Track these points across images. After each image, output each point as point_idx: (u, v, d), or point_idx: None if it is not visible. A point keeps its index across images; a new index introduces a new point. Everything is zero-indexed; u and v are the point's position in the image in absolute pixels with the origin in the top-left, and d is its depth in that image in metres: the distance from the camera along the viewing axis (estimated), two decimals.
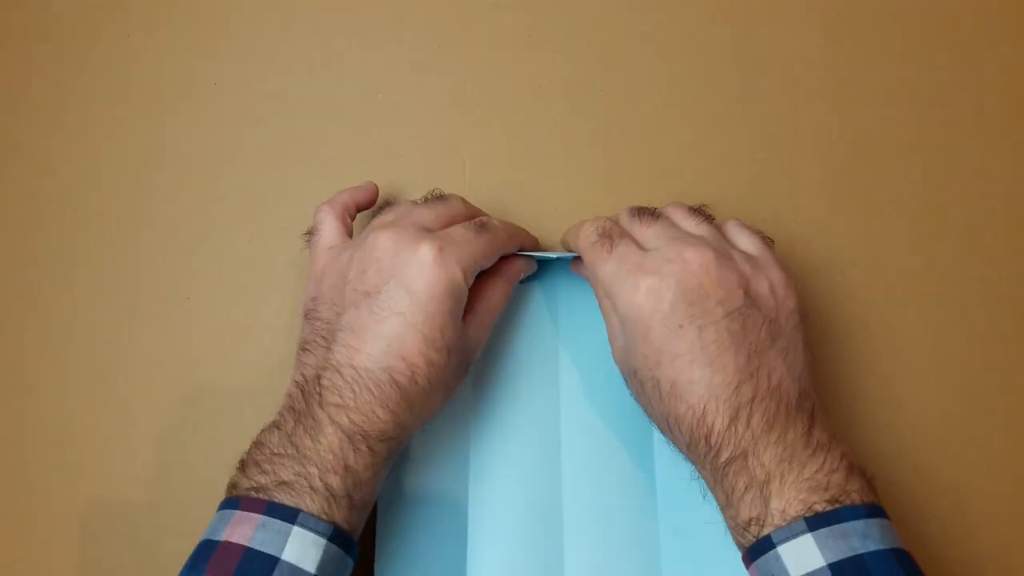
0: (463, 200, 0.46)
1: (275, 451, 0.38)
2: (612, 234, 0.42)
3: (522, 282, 0.49)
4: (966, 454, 0.50)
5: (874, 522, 0.35)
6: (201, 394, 0.50)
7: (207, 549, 0.37)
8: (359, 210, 0.47)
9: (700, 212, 0.44)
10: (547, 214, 0.51)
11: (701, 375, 0.38)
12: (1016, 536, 0.49)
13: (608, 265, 0.41)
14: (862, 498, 0.36)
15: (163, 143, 0.52)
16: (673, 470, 0.46)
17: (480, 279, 0.44)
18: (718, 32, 0.53)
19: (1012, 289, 0.51)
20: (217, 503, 0.49)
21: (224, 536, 0.37)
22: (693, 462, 0.40)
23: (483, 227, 0.43)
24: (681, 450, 0.40)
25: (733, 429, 0.37)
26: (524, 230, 0.48)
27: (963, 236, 0.51)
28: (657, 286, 0.39)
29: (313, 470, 0.37)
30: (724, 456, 0.37)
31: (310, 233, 0.45)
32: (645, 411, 0.42)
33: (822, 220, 0.51)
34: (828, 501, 0.36)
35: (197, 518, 0.49)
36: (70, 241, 0.52)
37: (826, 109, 0.52)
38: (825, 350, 0.50)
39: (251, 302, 0.51)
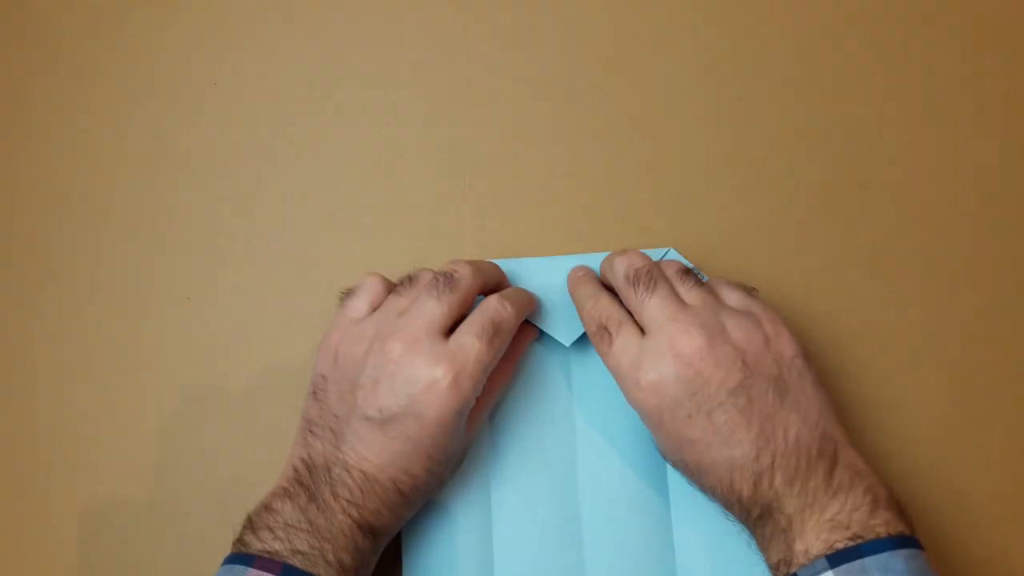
0: (471, 272, 0.44)
1: (289, 522, 0.40)
2: (609, 325, 0.44)
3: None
4: (966, 454, 0.50)
5: (899, 553, 0.37)
6: (201, 394, 0.50)
7: None
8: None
9: (691, 275, 0.45)
10: (547, 214, 0.51)
11: (720, 455, 0.40)
12: (1016, 536, 0.49)
13: (610, 360, 0.43)
14: (888, 531, 0.37)
15: (163, 143, 0.52)
16: (687, 492, 0.46)
17: None
18: (718, 32, 0.53)
19: (1012, 289, 0.51)
20: (217, 503, 0.49)
21: None
22: (733, 516, 0.42)
23: (497, 332, 0.43)
24: (722, 507, 0.43)
25: (758, 492, 0.39)
26: (531, 298, 0.48)
27: (963, 236, 0.51)
28: (656, 383, 0.41)
29: (328, 546, 0.40)
30: (755, 514, 0.40)
31: (346, 294, 0.45)
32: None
33: (822, 220, 0.51)
34: (849, 539, 0.37)
35: (197, 518, 0.49)
36: (70, 241, 0.52)
37: (826, 109, 0.52)
38: (825, 351, 0.50)
39: (251, 302, 0.51)
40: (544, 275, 0.49)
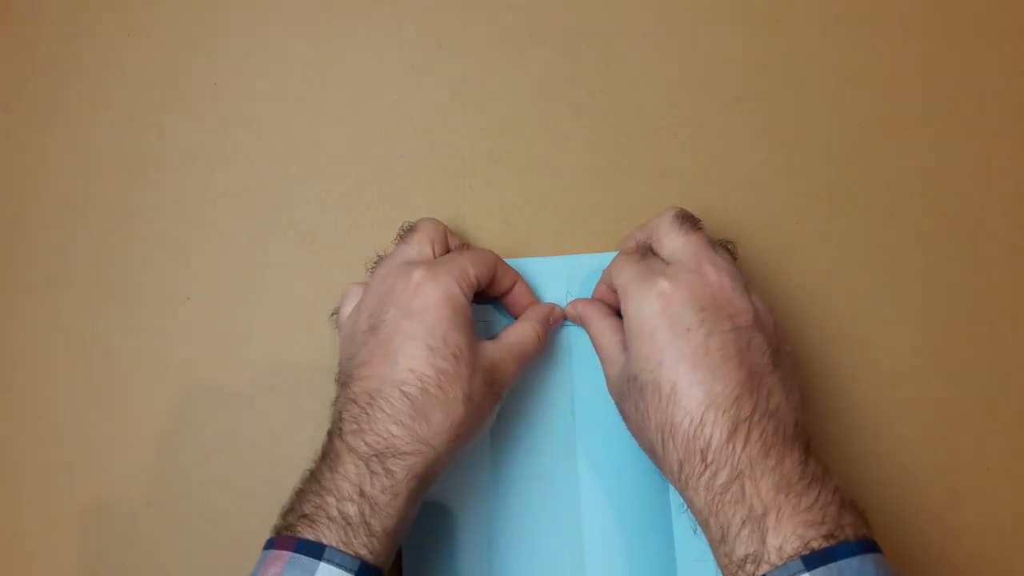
0: (432, 219, 0.46)
1: (302, 488, 0.39)
2: (643, 249, 0.44)
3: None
4: (966, 454, 0.50)
5: (869, 558, 0.35)
6: (201, 394, 0.50)
7: None
8: None
9: (727, 248, 0.44)
10: (547, 214, 0.51)
11: (703, 379, 0.38)
12: (1016, 537, 0.49)
13: (632, 268, 0.42)
14: (856, 532, 0.36)
15: (163, 143, 0.52)
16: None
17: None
18: (718, 32, 0.53)
19: (1012, 289, 0.51)
20: (216, 503, 0.49)
21: (260, 574, 0.37)
22: (683, 488, 0.38)
23: (464, 246, 0.45)
24: (671, 473, 0.39)
25: (731, 446, 0.37)
26: (508, 265, 0.48)
27: (963, 236, 0.51)
28: (671, 289, 0.40)
29: (330, 500, 0.38)
30: (721, 478, 0.37)
31: (335, 313, 0.46)
32: (636, 431, 0.41)
33: (822, 220, 0.51)
34: (824, 536, 0.35)
35: (197, 518, 0.49)
36: (70, 241, 0.52)
37: (826, 109, 0.52)
38: (824, 351, 0.50)
39: (251, 302, 0.51)
40: (544, 275, 0.49)
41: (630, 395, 0.41)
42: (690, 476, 0.38)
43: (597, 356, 0.45)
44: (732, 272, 0.41)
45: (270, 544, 0.38)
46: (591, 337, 0.46)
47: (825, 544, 0.35)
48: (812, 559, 0.34)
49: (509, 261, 0.49)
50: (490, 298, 0.48)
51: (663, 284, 0.40)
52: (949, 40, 0.53)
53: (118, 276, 0.51)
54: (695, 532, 0.39)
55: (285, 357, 0.50)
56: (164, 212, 0.52)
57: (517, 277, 0.47)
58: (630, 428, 0.42)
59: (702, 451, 0.37)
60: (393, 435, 0.39)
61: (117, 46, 0.54)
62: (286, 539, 0.37)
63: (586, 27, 0.53)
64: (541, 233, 0.51)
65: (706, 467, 0.37)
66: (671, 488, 0.47)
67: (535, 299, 0.49)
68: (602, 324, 0.45)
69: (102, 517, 0.49)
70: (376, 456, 0.38)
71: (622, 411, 0.43)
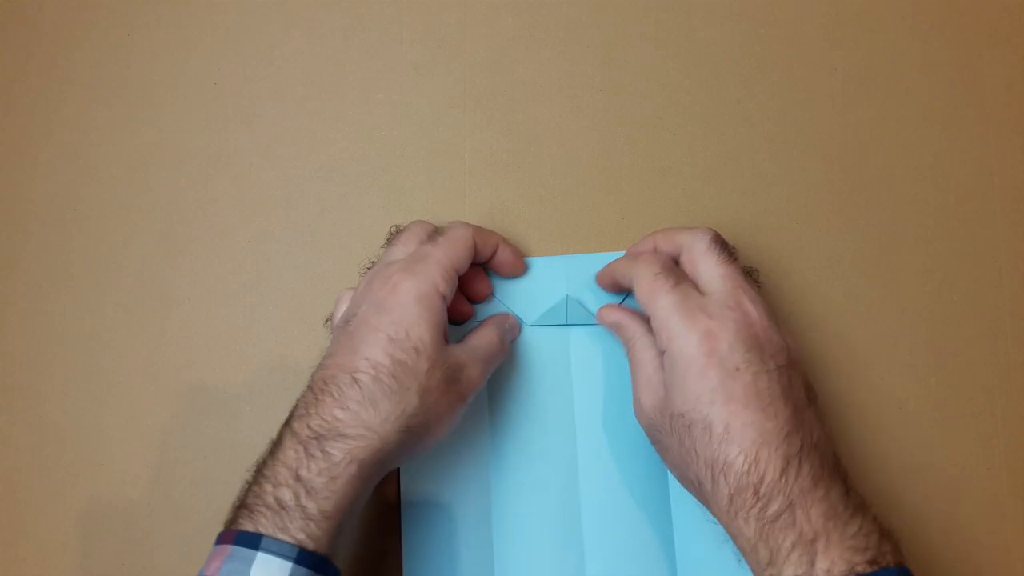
0: (421, 222, 0.47)
1: (248, 480, 0.40)
2: (675, 272, 0.43)
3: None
4: (966, 454, 0.50)
5: None
6: (201, 394, 0.50)
7: None
8: None
9: (751, 276, 0.45)
10: (547, 214, 0.51)
11: (755, 419, 0.38)
12: (1016, 537, 0.49)
13: (669, 298, 0.41)
14: (895, 559, 0.37)
15: (163, 143, 0.52)
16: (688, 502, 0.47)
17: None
18: (718, 32, 0.53)
19: (1011, 289, 0.51)
20: (216, 503, 0.49)
21: (204, 572, 0.37)
22: (731, 519, 0.39)
23: (437, 233, 0.45)
24: (717, 506, 0.39)
25: (784, 480, 0.37)
26: (485, 229, 0.48)
27: (963, 236, 0.51)
28: (717, 329, 0.40)
29: (268, 487, 0.38)
30: (772, 508, 0.37)
31: (329, 319, 0.47)
32: (679, 465, 0.42)
33: (822, 220, 0.51)
34: (868, 562, 0.36)
35: (196, 518, 0.49)
36: (69, 241, 0.52)
37: (826, 109, 0.52)
38: (824, 351, 0.50)
39: (251, 302, 0.51)
40: (544, 275, 0.49)
41: (673, 431, 0.41)
42: (740, 508, 0.38)
43: (632, 373, 0.44)
44: (767, 308, 0.42)
45: (217, 539, 0.38)
46: (630, 352, 0.45)
47: (869, 569, 0.36)
48: None
49: None
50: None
51: (709, 324, 0.40)
52: (949, 40, 0.53)
53: (118, 276, 0.51)
54: (739, 562, 0.40)
55: (285, 357, 0.50)
56: (164, 212, 0.52)
57: (498, 241, 0.47)
58: (667, 459, 0.43)
59: (755, 486, 0.38)
60: (337, 419, 0.39)
61: (117, 46, 0.54)
62: (229, 532, 0.38)
63: (586, 27, 0.53)
64: (541, 233, 0.51)
65: (758, 500, 0.38)
66: (671, 492, 0.47)
67: (520, 260, 0.49)
68: (645, 342, 0.44)
69: (102, 517, 0.49)
70: (316, 439, 0.38)
71: (658, 441, 0.43)
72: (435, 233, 0.45)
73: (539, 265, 0.49)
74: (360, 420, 0.39)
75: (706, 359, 0.39)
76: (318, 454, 0.38)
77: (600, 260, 0.49)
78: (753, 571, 0.39)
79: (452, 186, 0.52)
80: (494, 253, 0.47)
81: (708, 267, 0.43)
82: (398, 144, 0.52)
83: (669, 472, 0.47)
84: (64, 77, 0.53)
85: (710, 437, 0.39)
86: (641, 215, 0.51)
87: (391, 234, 0.47)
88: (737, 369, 0.39)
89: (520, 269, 0.49)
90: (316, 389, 0.40)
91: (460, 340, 0.45)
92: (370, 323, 0.41)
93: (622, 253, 0.49)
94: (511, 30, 0.53)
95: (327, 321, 0.47)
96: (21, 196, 0.52)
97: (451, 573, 0.46)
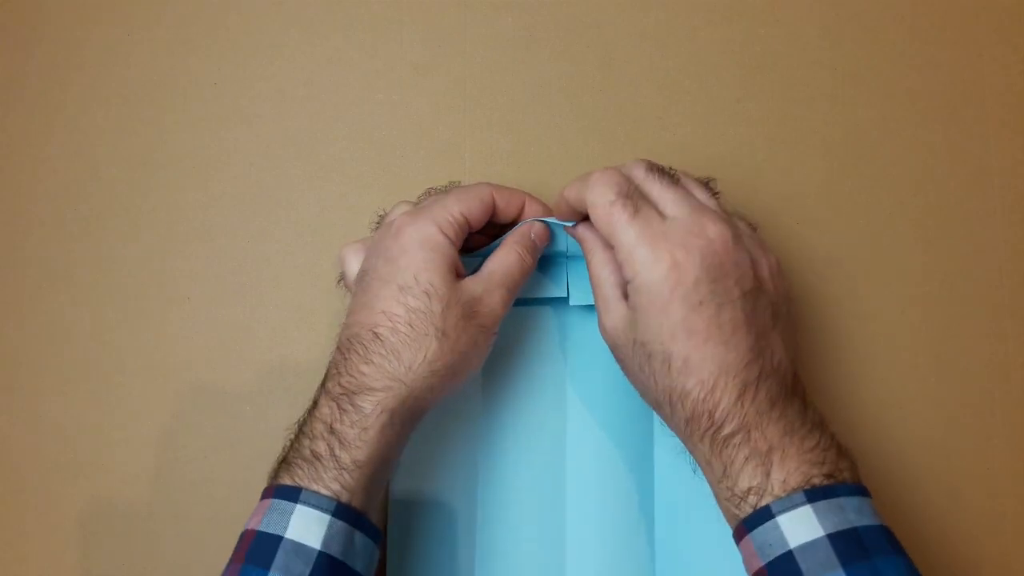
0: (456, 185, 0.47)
1: (288, 439, 0.41)
2: (632, 195, 0.41)
3: (532, 303, 0.48)
4: (966, 454, 0.50)
5: (865, 500, 0.37)
6: (201, 394, 0.50)
7: (238, 541, 0.39)
8: None
9: (709, 186, 0.44)
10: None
11: (715, 352, 0.38)
12: (1016, 538, 0.49)
13: (630, 230, 0.40)
14: (852, 476, 0.38)
15: (162, 143, 0.52)
16: (673, 480, 0.47)
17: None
18: (717, 32, 0.53)
19: (1012, 289, 0.51)
20: (217, 504, 0.49)
21: (247, 526, 0.38)
22: (687, 437, 0.40)
23: (451, 185, 0.45)
24: (675, 426, 0.40)
25: (739, 404, 0.38)
26: (510, 188, 0.46)
27: (963, 236, 0.51)
28: (683, 260, 0.38)
29: (305, 442, 0.39)
30: (727, 430, 0.38)
31: (341, 278, 0.47)
32: (639, 386, 0.42)
33: (822, 220, 0.51)
34: (825, 476, 0.37)
35: (197, 518, 0.49)
36: (69, 241, 0.52)
37: (826, 109, 0.52)
38: (825, 351, 0.50)
39: (251, 302, 0.51)
40: (542, 274, 0.49)
41: (635, 356, 0.41)
42: (695, 430, 0.39)
43: (592, 289, 0.44)
44: (728, 221, 0.41)
45: (262, 496, 0.39)
46: (589, 267, 0.44)
47: (826, 482, 0.36)
48: (814, 493, 0.36)
49: None
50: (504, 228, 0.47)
51: (675, 255, 0.38)
52: (949, 40, 0.53)
53: (118, 276, 0.51)
54: (694, 472, 0.41)
55: (285, 357, 0.50)
56: (164, 212, 0.52)
57: (523, 199, 0.46)
58: (631, 380, 0.43)
59: (710, 411, 0.38)
60: (363, 373, 0.40)
61: (117, 46, 0.54)
62: (269, 488, 0.39)
63: (586, 27, 0.53)
64: None
65: (712, 423, 0.38)
66: (655, 488, 0.47)
67: (551, 212, 0.47)
68: (603, 256, 0.43)
69: (102, 517, 0.49)
70: (346, 395, 0.40)
71: (621, 362, 0.43)
72: (452, 185, 0.45)
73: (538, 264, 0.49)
74: (385, 372, 0.40)
75: (670, 293, 0.38)
76: (349, 408, 0.39)
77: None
78: (711, 485, 0.39)
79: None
80: (519, 212, 0.46)
81: (656, 192, 0.41)
82: (398, 144, 0.52)
83: (655, 465, 0.47)
84: (64, 77, 0.53)
85: (669, 369, 0.39)
86: None
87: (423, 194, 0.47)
88: (700, 303, 0.38)
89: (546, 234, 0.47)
90: (343, 348, 0.41)
91: (477, 268, 0.44)
92: (380, 275, 0.41)
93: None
94: (511, 30, 0.53)
95: (339, 281, 0.47)
96: (21, 196, 0.52)
97: (435, 565, 0.47)
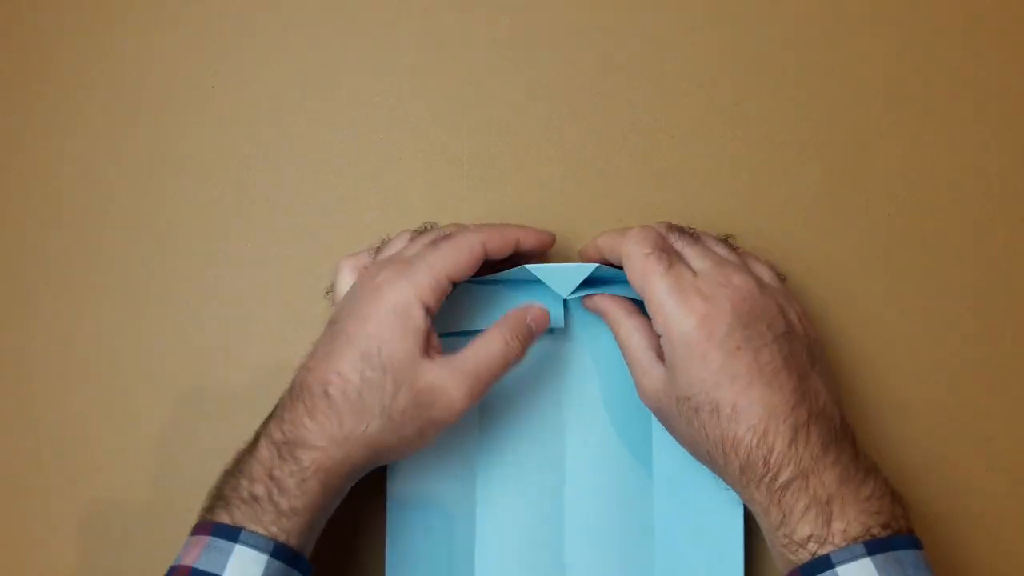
0: (456, 225, 0.46)
1: (225, 471, 0.41)
2: (667, 250, 0.42)
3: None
4: (966, 455, 0.50)
5: (920, 554, 0.37)
6: (200, 396, 0.50)
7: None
8: None
9: (728, 243, 0.46)
10: (546, 216, 0.51)
11: (761, 395, 0.38)
12: (1016, 536, 0.49)
13: (664, 282, 0.41)
14: (907, 524, 0.38)
15: (161, 145, 0.53)
16: (674, 482, 0.47)
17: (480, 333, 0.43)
18: (716, 34, 0.53)
19: (1012, 289, 0.51)
20: None
21: (179, 561, 0.38)
22: (743, 487, 0.40)
23: (443, 237, 0.43)
24: (730, 478, 0.40)
25: (793, 448, 0.38)
26: (515, 226, 0.46)
27: (963, 236, 0.51)
28: (713, 311, 0.39)
29: (244, 482, 0.39)
30: (783, 476, 0.38)
31: (330, 288, 0.47)
32: (689, 443, 0.42)
33: (821, 222, 0.51)
34: (882, 526, 0.37)
35: (194, 522, 0.49)
36: (69, 243, 0.52)
37: (825, 110, 0.52)
38: (824, 352, 0.50)
39: (250, 304, 0.51)
40: (540, 283, 0.49)
41: (681, 414, 0.41)
42: (751, 478, 0.39)
43: (625, 359, 0.44)
44: (749, 272, 0.42)
45: (193, 530, 0.39)
46: (618, 338, 0.44)
47: (884, 533, 0.36)
48: (874, 545, 0.36)
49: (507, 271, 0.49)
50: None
51: (705, 306, 0.40)
52: (948, 40, 0.53)
53: (117, 278, 0.51)
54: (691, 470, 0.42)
55: (283, 360, 0.50)
56: (161, 215, 0.52)
57: (516, 238, 0.45)
58: (680, 440, 0.43)
59: (764, 457, 0.38)
60: (306, 427, 0.39)
61: (115, 49, 0.54)
62: (206, 524, 0.39)
63: (584, 30, 0.53)
64: None
65: (768, 470, 0.38)
66: (653, 492, 0.47)
67: (546, 235, 0.47)
68: (630, 324, 0.44)
69: (102, 518, 0.49)
70: (287, 444, 0.39)
71: (667, 423, 0.43)
72: (440, 236, 0.43)
73: (536, 273, 0.48)
74: (326, 432, 0.39)
75: (706, 343, 0.39)
76: (288, 457, 0.39)
77: (598, 271, 0.47)
78: (766, 533, 0.40)
79: (450, 189, 0.52)
80: (515, 250, 0.45)
81: (681, 248, 0.43)
82: (396, 147, 0.52)
83: (654, 479, 0.47)
84: (62, 80, 0.53)
85: (718, 418, 0.39)
86: (640, 217, 0.51)
87: (422, 229, 0.46)
88: (738, 348, 0.39)
89: (548, 244, 0.47)
90: (294, 393, 0.41)
91: (460, 348, 0.42)
92: (348, 331, 0.40)
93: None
94: (509, 33, 0.53)
95: (327, 292, 0.47)
96: (20, 198, 0.52)
97: (434, 568, 0.46)
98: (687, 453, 0.43)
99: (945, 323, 0.51)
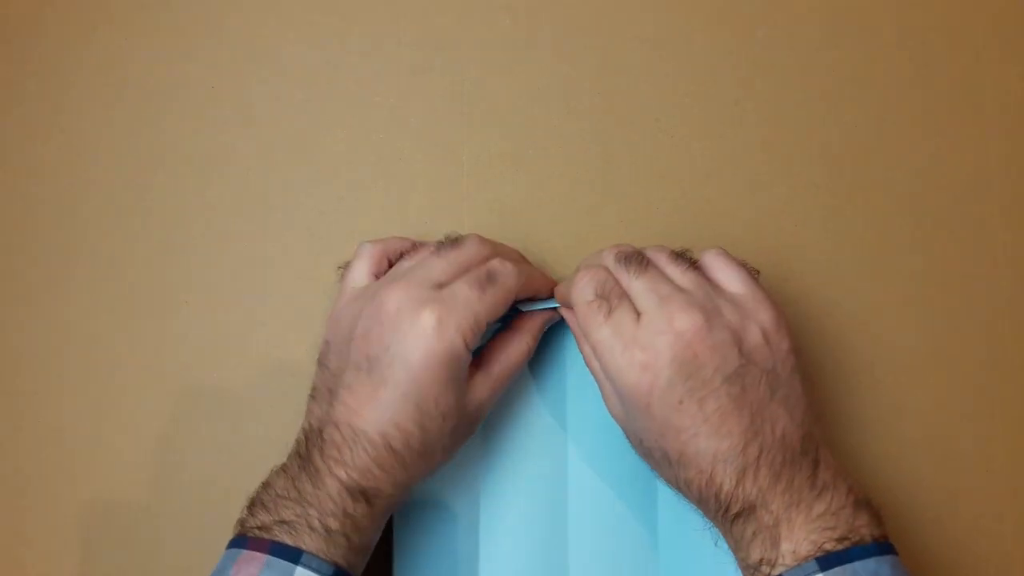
0: (480, 240, 0.44)
1: (279, 493, 0.40)
2: (610, 296, 0.41)
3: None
4: (966, 456, 0.50)
5: (885, 559, 0.36)
6: (199, 397, 0.50)
7: None
8: (401, 257, 0.46)
9: (683, 258, 0.43)
10: (545, 217, 0.51)
11: (707, 445, 0.38)
12: (1016, 536, 0.49)
13: (602, 332, 0.40)
14: (871, 533, 0.37)
15: (161, 146, 0.53)
16: (674, 507, 0.47)
17: (501, 332, 0.45)
18: (716, 34, 0.53)
19: (1012, 289, 0.51)
20: (214, 506, 0.49)
21: (231, 573, 0.37)
22: (703, 513, 0.41)
23: (491, 281, 0.42)
24: (692, 503, 0.41)
25: (740, 487, 0.38)
26: (538, 272, 0.47)
27: (963, 236, 0.51)
28: (653, 362, 0.38)
29: (313, 512, 0.39)
30: (734, 510, 0.38)
31: (345, 267, 0.46)
32: (649, 463, 0.43)
33: (821, 222, 0.51)
34: (837, 540, 0.36)
35: (195, 521, 0.49)
36: (67, 244, 0.52)
37: (825, 110, 0.52)
38: (823, 353, 0.50)
39: (249, 305, 0.51)
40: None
41: (638, 446, 0.42)
42: (706, 511, 0.40)
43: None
44: (700, 300, 0.40)
45: (241, 543, 0.38)
46: (584, 356, 0.44)
47: (839, 547, 0.36)
48: (827, 560, 0.36)
49: None
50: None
51: (643, 357, 0.38)
52: (947, 41, 0.53)
53: (117, 279, 0.51)
54: (716, 544, 0.41)
55: (284, 360, 0.50)
56: (162, 215, 0.52)
57: (541, 288, 0.46)
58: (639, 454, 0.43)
59: (715, 495, 0.38)
60: (375, 475, 0.40)
61: (115, 49, 0.54)
62: (260, 541, 0.38)
63: (584, 30, 0.53)
64: (540, 235, 0.51)
65: (720, 504, 0.38)
66: (658, 497, 0.47)
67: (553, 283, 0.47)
68: (587, 349, 0.44)
69: (101, 518, 0.49)
70: (359, 489, 0.39)
71: (632, 445, 0.43)
72: (486, 277, 0.42)
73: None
74: (396, 480, 0.40)
75: (648, 396, 0.38)
76: (361, 499, 0.39)
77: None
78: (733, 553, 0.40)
79: (451, 189, 0.52)
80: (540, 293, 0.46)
81: (626, 282, 0.41)
82: (396, 147, 0.52)
83: (659, 496, 0.47)
84: (63, 81, 0.53)
85: (669, 463, 0.40)
86: (639, 217, 0.51)
87: (447, 241, 0.44)
88: (680, 402, 0.38)
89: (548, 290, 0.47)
90: (346, 434, 0.40)
91: (484, 356, 0.44)
92: (398, 383, 0.39)
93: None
94: (509, 33, 0.53)
95: (340, 268, 0.46)
96: (20, 199, 0.52)
97: (440, 573, 0.47)
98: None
99: (945, 323, 0.51)
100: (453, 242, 0.44)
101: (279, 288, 0.51)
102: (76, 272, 0.52)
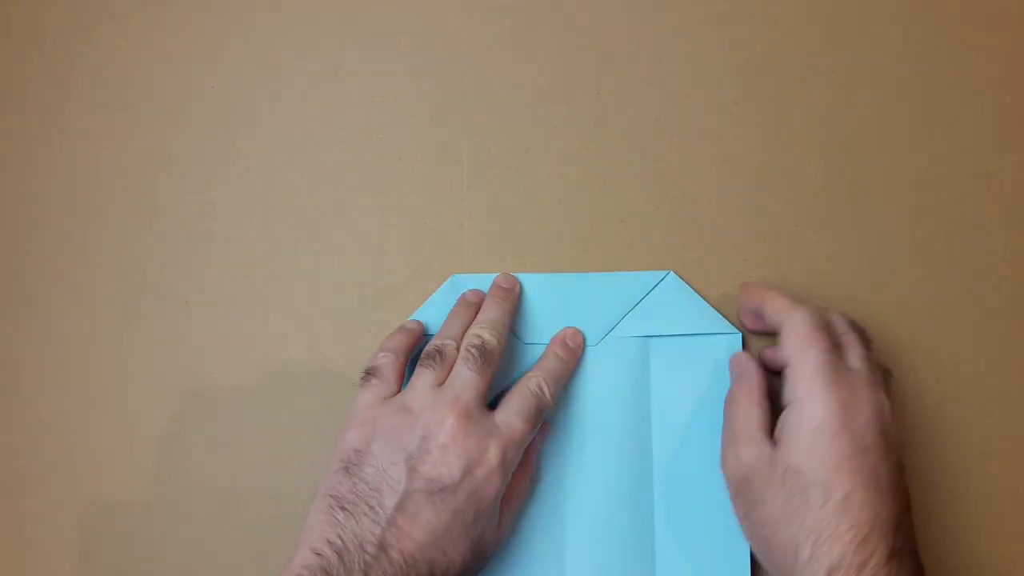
0: (497, 335, 0.46)
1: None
2: (832, 336, 0.43)
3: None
4: (966, 454, 0.50)
5: None
6: (200, 398, 0.50)
7: None
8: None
9: (871, 356, 0.45)
10: (546, 216, 0.51)
11: (873, 501, 0.39)
12: (1016, 536, 0.49)
13: (823, 357, 0.42)
14: None
15: (161, 146, 0.53)
16: (675, 485, 0.47)
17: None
18: (716, 34, 0.53)
19: (1012, 289, 0.51)
20: (215, 506, 0.49)
21: None
22: None
23: (538, 416, 0.44)
24: (797, 571, 0.40)
25: (887, 570, 0.38)
26: (568, 372, 0.48)
27: (962, 237, 0.51)
28: (858, 404, 0.41)
29: None
30: (898, 544, 0.39)
31: (368, 374, 0.45)
32: (770, 523, 0.41)
33: (822, 222, 0.51)
34: None
35: (196, 522, 0.49)
36: (69, 245, 0.52)
37: (825, 110, 0.52)
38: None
39: (249, 306, 0.51)
40: (542, 293, 0.49)
41: (783, 484, 0.41)
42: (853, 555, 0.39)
43: (727, 425, 0.45)
44: (889, 406, 0.43)
45: None
46: (736, 402, 0.45)
47: None
48: None
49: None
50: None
51: (852, 397, 0.41)
52: (947, 41, 0.53)
53: (117, 280, 0.51)
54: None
55: (284, 361, 0.50)
56: (162, 215, 0.52)
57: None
58: (755, 514, 0.42)
59: (859, 566, 0.38)
60: None
61: (115, 49, 0.54)
62: None
63: (584, 30, 0.53)
64: (540, 236, 0.51)
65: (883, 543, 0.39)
66: (655, 509, 0.47)
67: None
68: (756, 395, 0.45)
69: (102, 519, 0.49)
70: None
71: (747, 493, 0.42)
72: (537, 412, 0.44)
73: (537, 282, 0.49)
74: None
75: (841, 426, 0.40)
76: None
77: (601, 280, 0.49)
78: None
79: (451, 189, 0.52)
80: None
81: (849, 346, 0.44)
82: (396, 147, 0.52)
83: (654, 468, 0.47)
84: (64, 81, 0.53)
85: (825, 502, 0.39)
86: (640, 217, 0.51)
87: (476, 349, 0.45)
88: (867, 448, 0.40)
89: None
90: (396, 562, 0.39)
91: (511, 398, 0.44)
92: (462, 515, 0.41)
93: (615, 273, 0.49)
94: (509, 33, 0.53)
95: (364, 374, 0.45)
96: (21, 200, 0.53)
97: None
98: (688, 476, 0.45)
99: (945, 323, 0.51)
100: (479, 349, 0.44)
101: (279, 288, 0.51)
102: (76, 272, 0.52)
